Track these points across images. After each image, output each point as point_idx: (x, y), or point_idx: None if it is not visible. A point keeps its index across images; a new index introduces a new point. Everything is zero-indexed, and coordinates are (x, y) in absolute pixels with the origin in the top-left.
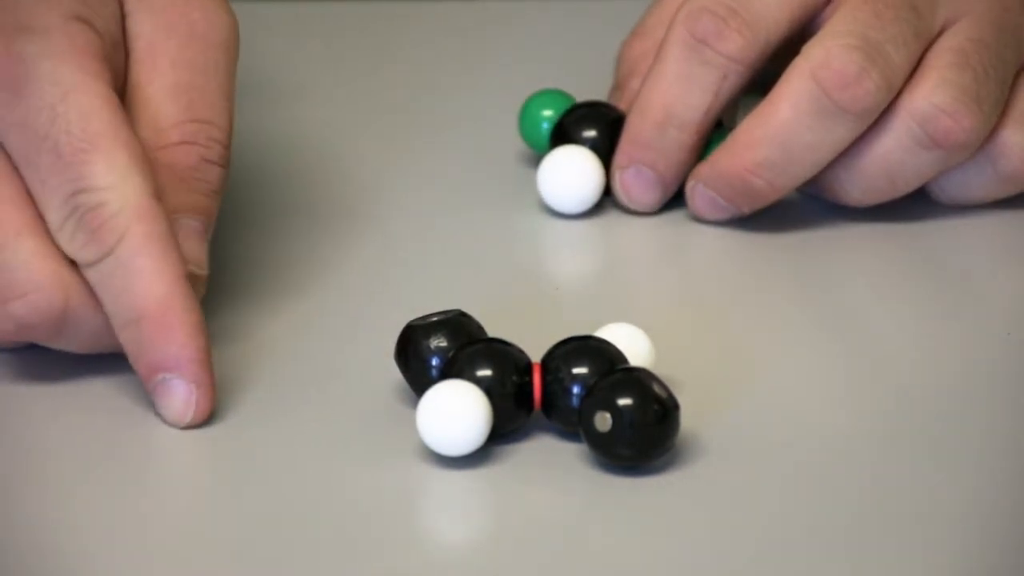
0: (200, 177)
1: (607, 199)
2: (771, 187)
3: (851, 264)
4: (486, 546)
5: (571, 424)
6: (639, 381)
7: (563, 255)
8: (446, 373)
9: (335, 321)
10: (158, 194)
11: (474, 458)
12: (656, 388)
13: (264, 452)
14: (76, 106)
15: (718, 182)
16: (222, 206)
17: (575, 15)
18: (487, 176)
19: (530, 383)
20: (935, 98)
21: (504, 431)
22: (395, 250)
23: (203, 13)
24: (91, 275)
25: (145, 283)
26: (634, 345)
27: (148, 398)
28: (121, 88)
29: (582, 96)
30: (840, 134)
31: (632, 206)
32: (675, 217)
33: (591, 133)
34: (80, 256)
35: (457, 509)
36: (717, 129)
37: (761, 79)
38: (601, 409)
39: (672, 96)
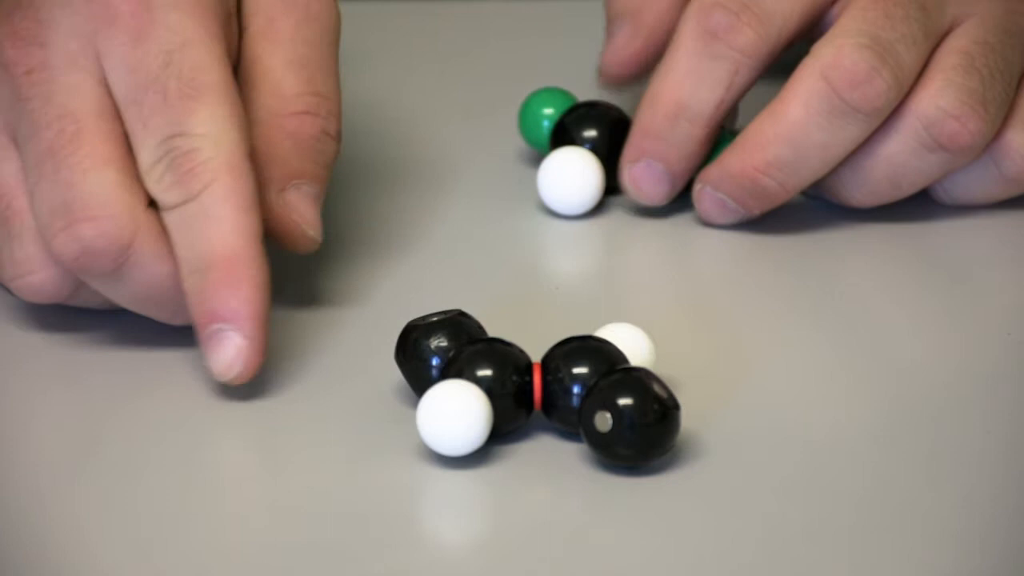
0: (319, 148)
1: (607, 200)
2: (782, 187)
3: (851, 264)
4: (486, 546)
5: (571, 424)
6: (639, 381)
7: (563, 255)
8: (446, 373)
9: (335, 321)
10: (251, 156)
11: (474, 458)
12: (656, 388)
13: (264, 452)
14: (191, 56)
15: (728, 183)
16: None
17: (575, 15)
18: (487, 176)
19: (530, 383)
20: (941, 101)
21: (504, 431)
22: (395, 250)
23: None
24: (171, 218)
25: (222, 233)
26: (634, 345)
27: (143, 387)
28: (233, 61)
29: (582, 95)
30: (851, 133)
31: (641, 200)
32: (676, 217)
33: (591, 133)
34: (164, 197)
35: (457, 509)
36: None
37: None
38: (601, 409)
39: (684, 89)
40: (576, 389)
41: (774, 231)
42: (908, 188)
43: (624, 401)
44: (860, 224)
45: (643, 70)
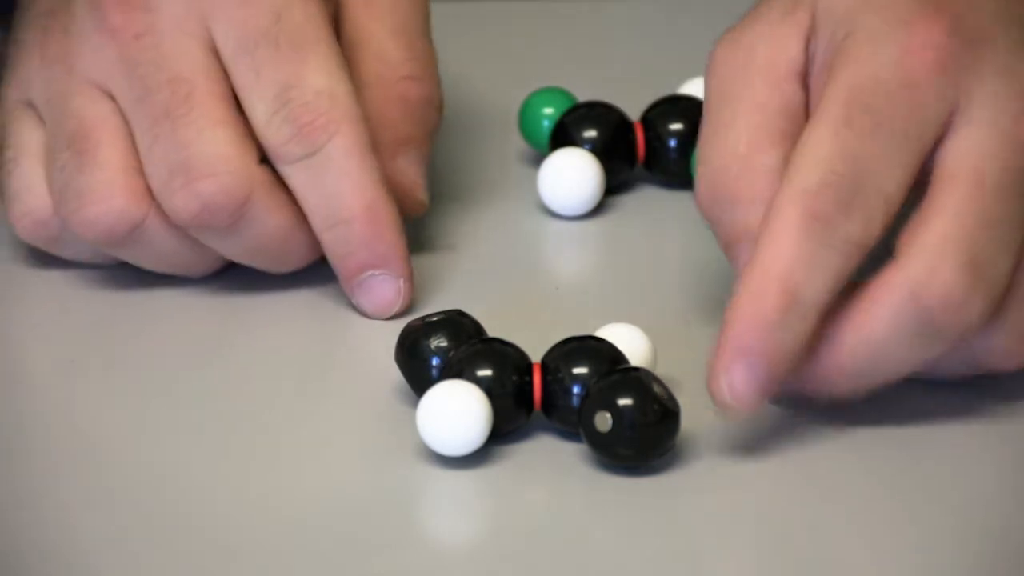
0: (425, 115)
1: (607, 200)
2: (849, 393)
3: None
4: (486, 546)
5: (571, 424)
6: (639, 381)
7: (563, 255)
8: (446, 373)
9: (335, 321)
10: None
11: (474, 458)
12: (656, 388)
13: (264, 452)
14: (298, 13)
15: (795, 384)
16: None
17: (576, 15)
18: (487, 176)
19: (530, 383)
20: (1002, 338)
21: (504, 431)
22: None
23: None
24: (293, 171)
25: (355, 185)
26: (634, 345)
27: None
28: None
29: (582, 96)
30: (935, 350)
31: (731, 410)
32: (675, 217)
33: (591, 133)
34: (284, 150)
35: (457, 509)
36: None
37: None
38: (601, 409)
39: (794, 280)
40: (576, 389)
41: None
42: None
43: (624, 401)
44: None
45: None
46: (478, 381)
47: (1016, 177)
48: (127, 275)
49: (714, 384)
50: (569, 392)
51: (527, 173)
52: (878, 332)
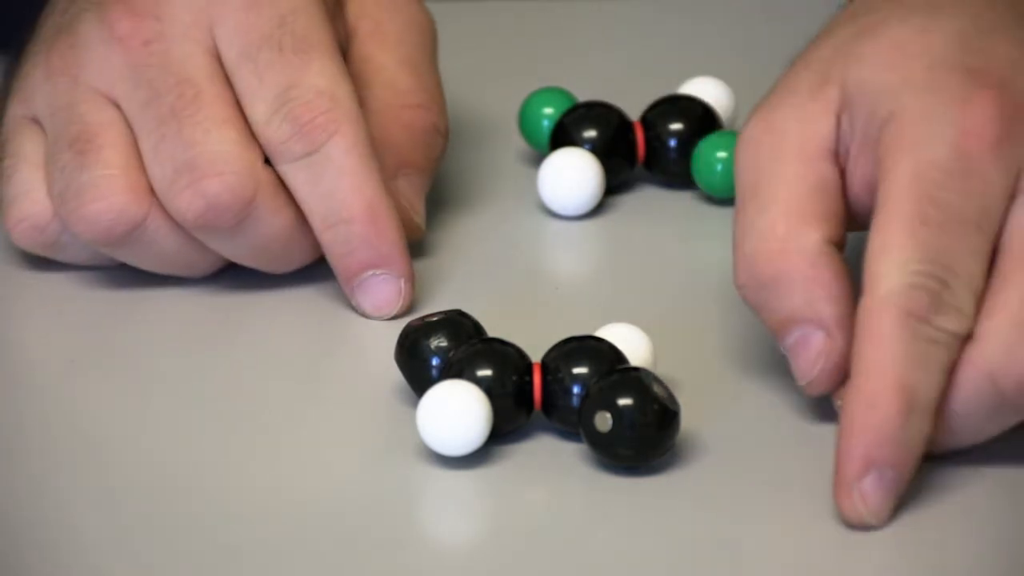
0: (429, 141)
1: (607, 200)
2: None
3: (850, 263)
4: (486, 546)
5: (571, 424)
6: (639, 381)
7: (563, 255)
8: (446, 373)
9: (335, 321)
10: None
11: (474, 458)
12: (656, 388)
13: (264, 451)
14: (303, 19)
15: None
16: None
17: (576, 15)
18: (487, 176)
19: (530, 383)
20: None
21: (504, 431)
22: None
23: (416, 7)
24: (293, 170)
25: (355, 184)
26: (634, 345)
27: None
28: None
29: (582, 96)
30: (1007, 424)
31: (866, 520)
32: (675, 217)
33: (591, 133)
34: (284, 148)
35: (457, 509)
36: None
37: None
38: (601, 409)
39: (910, 380)
40: (576, 389)
41: None
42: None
43: (624, 401)
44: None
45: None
46: (478, 381)
47: None
48: (127, 275)
49: (845, 498)
50: (569, 392)
51: (527, 173)
52: (957, 411)
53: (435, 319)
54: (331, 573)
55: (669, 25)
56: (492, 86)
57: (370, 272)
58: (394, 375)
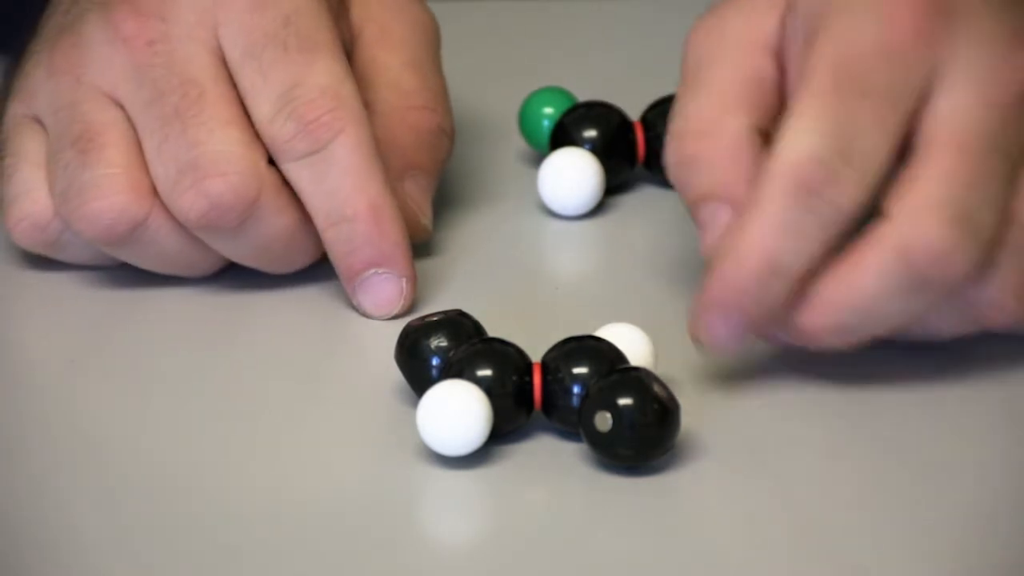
0: (435, 143)
1: (607, 200)
2: (841, 343)
3: None
4: (486, 546)
5: (571, 424)
6: (639, 381)
7: (563, 255)
8: (446, 373)
9: (335, 321)
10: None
11: (474, 458)
12: (656, 388)
13: (264, 451)
14: (307, 19)
15: (786, 335)
16: None
17: (575, 15)
18: (487, 176)
19: (530, 383)
20: (994, 291)
21: (504, 431)
22: None
23: (420, 9)
24: (297, 168)
25: (360, 182)
26: (634, 345)
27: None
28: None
29: (582, 96)
30: (923, 305)
31: (711, 353)
32: (675, 217)
33: (591, 133)
34: (288, 147)
35: (457, 509)
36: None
37: None
38: (601, 409)
39: (778, 246)
40: (576, 389)
41: None
42: (933, 335)
43: (624, 401)
44: None
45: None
46: (478, 381)
47: (994, 137)
48: (127, 275)
49: (694, 323)
50: (569, 392)
51: (527, 173)
52: (867, 288)
53: (435, 319)
54: (331, 573)
55: (669, 25)
56: (492, 86)
57: (372, 271)
58: (394, 375)
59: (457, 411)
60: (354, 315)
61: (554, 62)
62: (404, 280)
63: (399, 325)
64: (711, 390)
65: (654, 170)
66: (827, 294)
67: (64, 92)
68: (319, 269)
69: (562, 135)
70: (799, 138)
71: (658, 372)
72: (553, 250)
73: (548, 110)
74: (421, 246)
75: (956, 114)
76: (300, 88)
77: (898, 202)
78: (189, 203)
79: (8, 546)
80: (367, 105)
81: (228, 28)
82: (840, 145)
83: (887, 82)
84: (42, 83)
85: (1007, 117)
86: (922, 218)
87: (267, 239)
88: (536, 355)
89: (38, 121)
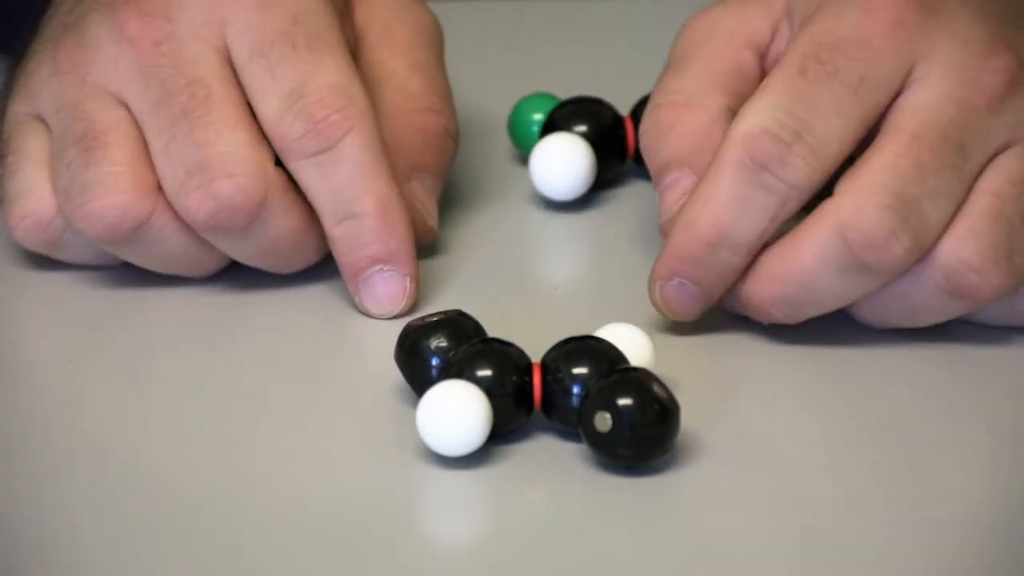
0: (441, 145)
1: (606, 198)
2: (788, 317)
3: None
4: (486, 546)
5: (571, 424)
6: (639, 381)
7: (562, 255)
8: (446, 373)
9: (336, 321)
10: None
11: (474, 458)
12: (656, 388)
13: (264, 451)
14: (315, 17)
15: (732, 304)
16: None
17: (572, 15)
18: (487, 176)
19: (530, 383)
20: (963, 253)
21: (504, 431)
22: None
23: (423, 10)
24: (305, 167)
25: (369, 180)
26: (634, 345)
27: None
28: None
29: (573, 91)
30: (863, 286)
31: (669, 316)
32: None
33: (582, 128)
34: (298, 146)
35: (457, 509)
36: None
37: None
38: (601, 409)
39: (726, 218)
40: (576, 389)
41: None
42: (922, 322)
43: (624, 401)
44: None
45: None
46: (478, 381)
47: (955, 133)
48: (128, 275)
49: (652, 290)
50: (569, 392)
51: (524, 173)
52: (805, 260)
53: (435, 319)
54: (331, 573)
55: (659, 23)
56: (488, 85)
57: (376, 268)
58: (394, 375)
59: (457, 411)
60: (355, 315)
61: (549, 61)
62: (408, 279)
63: (399, 325)
64: (711, 390)
65: (644, 164)
66: (770, 267)
67: (68, 91)
68: (320, 269)
69: (552, 130)
70: (757, 113)
71: (658, 372)
72: (553, 250)
73: (538, 116)
74: (417, 245)
75: (922, 107)
76: (309, 86)
77: (846, 183)
78: (197, 204)
79: (8, 546)
80: (373, 107)
81: (235, 26)
82: (795, 124)
83: (858, 70)
84: (45, 82)
85: (972, 116)
86: (862, 200)
87: (273, 240)
88: (536, 355)
89: (41, 120)
